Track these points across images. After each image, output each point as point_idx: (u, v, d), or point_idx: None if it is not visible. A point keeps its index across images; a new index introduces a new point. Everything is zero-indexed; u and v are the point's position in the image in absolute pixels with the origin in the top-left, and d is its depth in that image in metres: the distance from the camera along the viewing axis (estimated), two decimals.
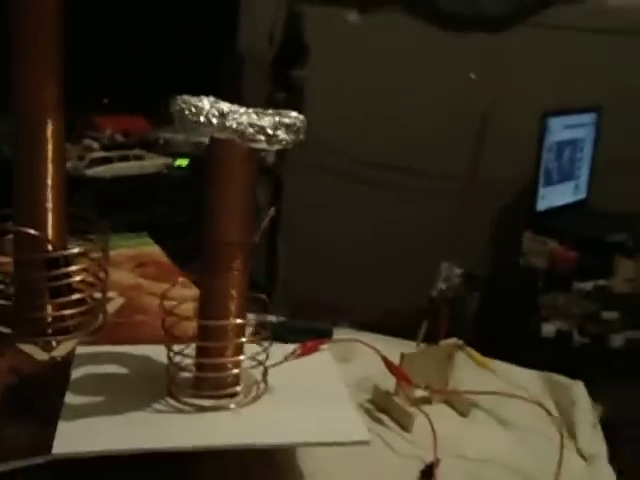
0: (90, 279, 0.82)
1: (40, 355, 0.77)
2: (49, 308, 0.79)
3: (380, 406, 0.92)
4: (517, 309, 2.27)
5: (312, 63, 2.38)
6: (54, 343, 0.79)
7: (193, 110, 0.62)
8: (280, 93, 2.75)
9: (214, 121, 0.61)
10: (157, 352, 0.77)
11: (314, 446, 0.72)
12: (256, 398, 0.72)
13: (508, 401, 0.99)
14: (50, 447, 0.62)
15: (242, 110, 0.63)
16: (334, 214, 2.49)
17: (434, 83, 2.52)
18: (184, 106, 0.62)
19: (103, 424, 0.66)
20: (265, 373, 0.74)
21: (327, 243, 2.46)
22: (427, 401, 0.92)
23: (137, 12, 2.27)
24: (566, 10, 2.46)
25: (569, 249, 2.22)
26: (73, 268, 0.78)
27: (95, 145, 2.13)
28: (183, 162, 2.33)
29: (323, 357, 0.82)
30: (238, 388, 0.72)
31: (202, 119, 0.61)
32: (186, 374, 0.73)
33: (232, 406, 0.70)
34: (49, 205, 0.77)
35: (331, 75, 2.45)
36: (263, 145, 0.63)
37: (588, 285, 2.20)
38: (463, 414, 0.93)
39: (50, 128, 0.75)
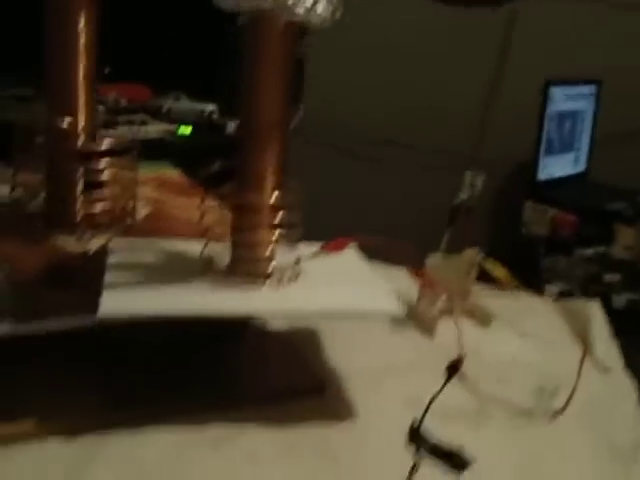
0: (119, 179, 0.83)
1: (75, 247, 0.78)
2: (81, 202, 0.79)
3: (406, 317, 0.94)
4: (520, 275, 2.29)
5: (314, 38, 2.39)
6: (86, 238, 0.79)
7: None
8: None
9: None
10: (190, 246, 0.78)
11: (348, 318, 0.74)
12: (289, 280, 0.73)
13: (527, 315, 1.00)
14: (96, 309, 0.63)
15: None
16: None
17: (438, 56, 2.53)
18: None
19: (145, 295, 0.68)
20: (298, 260, 0.75)
21: None
22: (448, 311, 0.94)
23: None
24: None
25: (569, 214, 2.24)
26: (106, 161, 0.79)
27: (101, 108, 2.13)
28: (186, 130, 2.33)
29: (351, 253, 0.83)
30: (271, 269, 0.73)
31: None
32: (221, 261, 0.74)
33: (266, 284, 0.72)
34: (81, 99, 0.78)
35: (333, 51, 2.46)
36: (302, 13, 0.64)
37: (589, 251, 2.23)
38: (484, 323, 0.95)
39: (82, 18, 0.76)
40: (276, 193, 0.71)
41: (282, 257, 0.74)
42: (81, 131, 0.78)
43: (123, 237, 0.81)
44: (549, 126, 2.37)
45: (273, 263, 0.73)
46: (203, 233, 0.77)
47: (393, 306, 0.70)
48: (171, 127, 2.33)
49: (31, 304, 0.67)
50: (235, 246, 0.73)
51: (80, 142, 0.78)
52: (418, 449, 0.68)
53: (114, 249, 0.77)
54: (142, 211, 0.92)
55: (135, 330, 0.69)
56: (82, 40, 0.76)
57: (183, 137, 2.37)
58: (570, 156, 2.56)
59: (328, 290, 0.73)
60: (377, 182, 2.49)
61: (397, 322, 0.92)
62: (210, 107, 2.30)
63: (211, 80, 2.19)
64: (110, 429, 0.65)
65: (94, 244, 0.79)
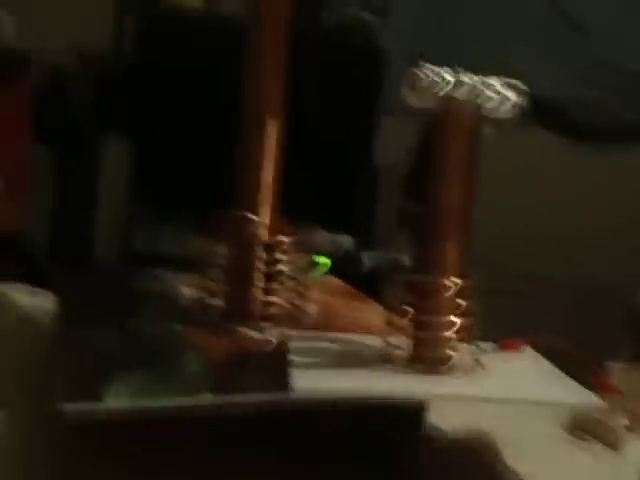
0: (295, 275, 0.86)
1: (258, 336, 0.80)
2: (262, 294, 0.82)
3: (581, 428, 0.88)
4: None
5: None
6: (266, 328, 0.81)
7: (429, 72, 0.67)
8: (414, 205, 2.84)
9: (449, 77, 0.66)
10: (367, 340, 0.78)
11: (544, 405, 0.70)
12: (473, 371, 0.71)
13: None
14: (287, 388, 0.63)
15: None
16: None
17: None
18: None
19: (332, 375, 0.68)
20: (478, 353, 0.74)
21: None
22: (634, 427, 0.87)
23: None
24: None
25: None
26: (287, 255, 0.82)
27: None
28: (325, 262, 2.40)
29: (530, 352, 0.80)
30: (453, 359, 0.71)
31: (436, 78, 0.66)
32: (401, 352, 0.73)
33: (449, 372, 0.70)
34: (268, 197, 0.83)
35: None
36: (493, 103, 0.67)
37: None
38: None
39: (273, 126, 0.82)
40: (458, 280, 0.71)
41: (462, 350, 0.73)
42: (266, 227, 0.83)
43: (297, 331, 0.83)
44: None
45: (455, 353, 0.72)
46: (373, 331, 0.77)
47: (588, 397, 0.67)
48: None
49: (228, 382, 0.68)
50: (417, 337, 0.73)
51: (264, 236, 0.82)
52: None
53: (292, 339, 0.78)
54: (312, 309, 0.94)
55: (312, 425, 0.69)
56: (271, 146, 0.82)
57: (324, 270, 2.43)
58: None
59: (516, 381, 0.70)
60: None
61: (577, 433, 0.87)
62: (347, 239, 2.35)
63: (347, 213, 2.25)
64: None
65: (275, 334, 0.81)
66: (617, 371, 0.88)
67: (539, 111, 2.59)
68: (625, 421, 0.86)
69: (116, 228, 2.03)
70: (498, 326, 0.93)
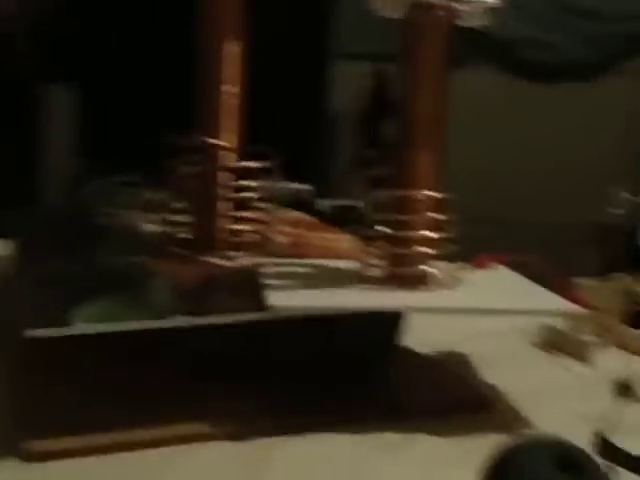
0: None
1: (226, 264, 0.77)
2: (230, 221, 0.79)
3: (551, 344, 0.89)
4: None
5: None
6: (235, 256, 0.79)
7: None
8: (370, 150, 2.82)
9: None
10: (339, 264, 0.77)
11: (518, 314, 0.70)
12: (448, 286, 0.70)
13: None
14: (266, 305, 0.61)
15: None
16: None
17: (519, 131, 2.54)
18: None
19: (307, 294, 0.66)
20: (453, 269, 0.73)
21: None
22: (601, 339, 0.88)
23: None
24: None
25: None
26: (255, 182, 0.80)
27: None
28: None
29: (502, 269, 0.80)
30: (427, 275, 0.70)
31: None
32: (376, 271, 0.72)
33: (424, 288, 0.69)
34: (232, 122, 0.80)
35: None
36: (467, 6, 0.64)
37: None
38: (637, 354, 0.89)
39: (230, 45, 0.78)
40: (432, 193, 0.69)
41: (437, 265, 0.72)
42: (233, 150, 0.79)
43: (268, 258, 0.81)
44: None
45: (430, 268, 0.70)
46: (345, 257, 0.76)
47: (562, 304, 0.66)
48: None
49: (200, 305, 0.66)
50: (391, 254, 0.71)
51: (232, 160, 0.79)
52: (612, 461, 0.62)
53: (264, 265, 0.76)
54: (282, 239, 0.91)
55: (289, 345, 0.68)
56: (230, 69, 0.78)
57: None
58: None
59: (491, 293, 0.70)
60: None
61: (546, 348, 0.88)
62: (306, 187, 2.32)
63: (303, 160, 2.23)
64: (284, 434, 0.62)
65: (244, 261, 0.78)
66: (587, 287, 0.88)
67: (492, 49, 2.59)
68: (595, 334, 0.87)
69: (64, 181, 1.96)
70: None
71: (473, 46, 2.28)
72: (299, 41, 2.16)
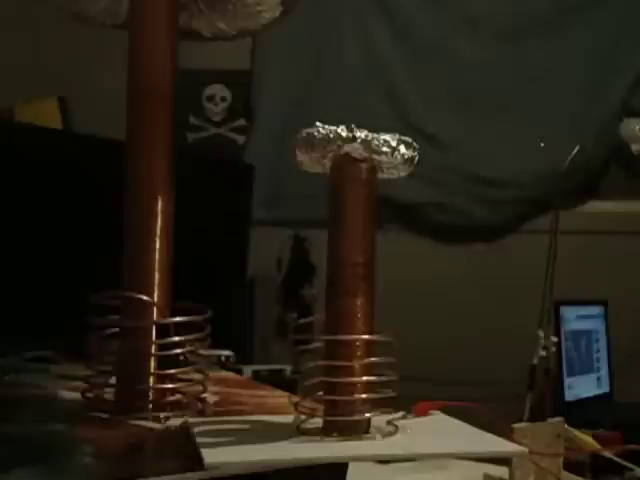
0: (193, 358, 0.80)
1: (153, 426, 0.73)
2: (156, 381, 0.76)
3: None
4: None
5: (320, 281, 2.47)
6: (163, 417, 0.75)
7: (323, 130, 0.67)
8: (291, 313, 2.82)
9: (343, 134, 0.66)
10: (274, 419, 0.74)
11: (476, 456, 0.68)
12: (389, 435, 0.68)
13: None
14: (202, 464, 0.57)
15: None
16: None
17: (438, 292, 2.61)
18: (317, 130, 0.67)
19: (244, 449, 0.62)
20: (393, 418, 0.71)
21: None
22: None
23: None
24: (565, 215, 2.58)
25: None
26: (181, 338, 0.77)
27: None
28: None
29: (441, 416, 0.78)
30: (367, 425, 0.68)
31: (331, 134, 0.66)
32: (314, 422, 0.69)
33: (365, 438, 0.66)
34: (157, 278, 0.79)
35: None
36: (385, 158, 0.67)
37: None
38: None
39: (160, 203, 0.79)
40: (368, 336, 0.68)
41: (377, 412, 0.70)
42: (157, 308, 0.77)
43: (198, 417, 0.77)
44: (566, 345, 2.38)
45: (369, 415, 0.68)
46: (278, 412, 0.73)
47: (512, 447, 0.65)
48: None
49: (129, 468, 0.61)
50: (328, 403, 0.69)
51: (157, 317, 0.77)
52: None
53: (195, 424, 0.72)
54: (211, 398, 0.88)
55: None
56: (159, 224, 0.78)
57: None
58: (592, 377, 2.53)
59: (432, 438, 0.67)
60: None
61: None
62: (227, 353, 2.29)
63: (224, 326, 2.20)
64: None
65: (173, 422, 0.74)
66: (525, 431, 0.87)
67: (403, 215, 2.71)
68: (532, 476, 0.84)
69: None
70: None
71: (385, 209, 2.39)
72: (221, 209, 2.21)
